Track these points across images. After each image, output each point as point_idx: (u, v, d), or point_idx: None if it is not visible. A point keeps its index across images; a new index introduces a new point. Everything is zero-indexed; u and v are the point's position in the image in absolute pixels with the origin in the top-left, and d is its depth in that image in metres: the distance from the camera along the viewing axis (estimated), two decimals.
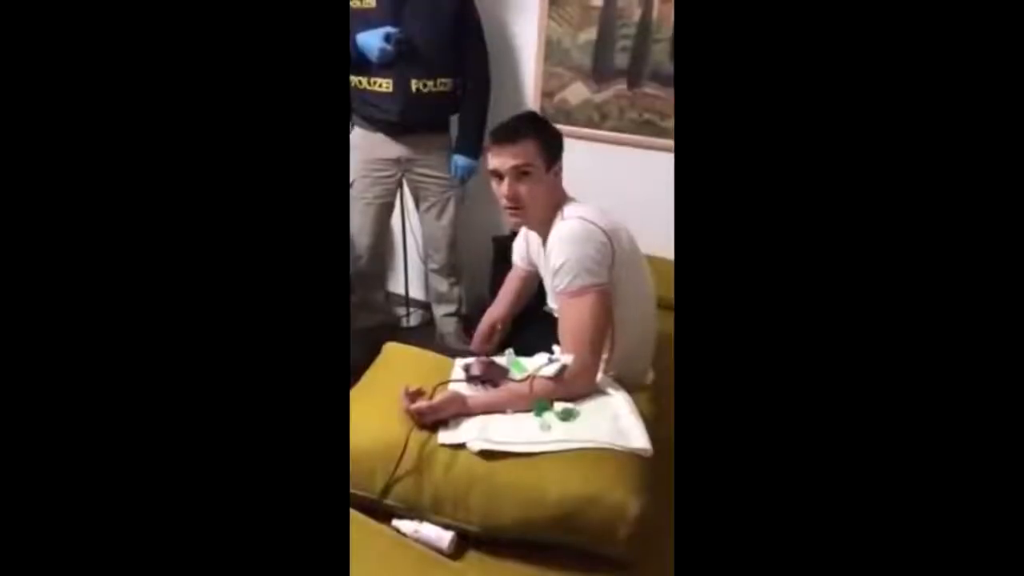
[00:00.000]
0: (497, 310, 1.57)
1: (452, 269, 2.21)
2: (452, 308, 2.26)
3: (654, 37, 1.88)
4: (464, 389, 1.16)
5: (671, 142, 1.95)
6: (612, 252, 1.17)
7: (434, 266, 2.20)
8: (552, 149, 1.23)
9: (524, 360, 1.30)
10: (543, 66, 2.07)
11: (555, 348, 1.37)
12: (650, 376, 1.36)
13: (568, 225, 1.18)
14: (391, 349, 1.36)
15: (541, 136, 1.21)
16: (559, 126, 2.08)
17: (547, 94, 2.10)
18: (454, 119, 2.02)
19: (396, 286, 2.57)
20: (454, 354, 1.37)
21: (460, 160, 2.01)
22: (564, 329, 1.18)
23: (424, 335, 2.46)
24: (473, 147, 2.01)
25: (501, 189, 1.22)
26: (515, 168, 1.20)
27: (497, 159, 1.22)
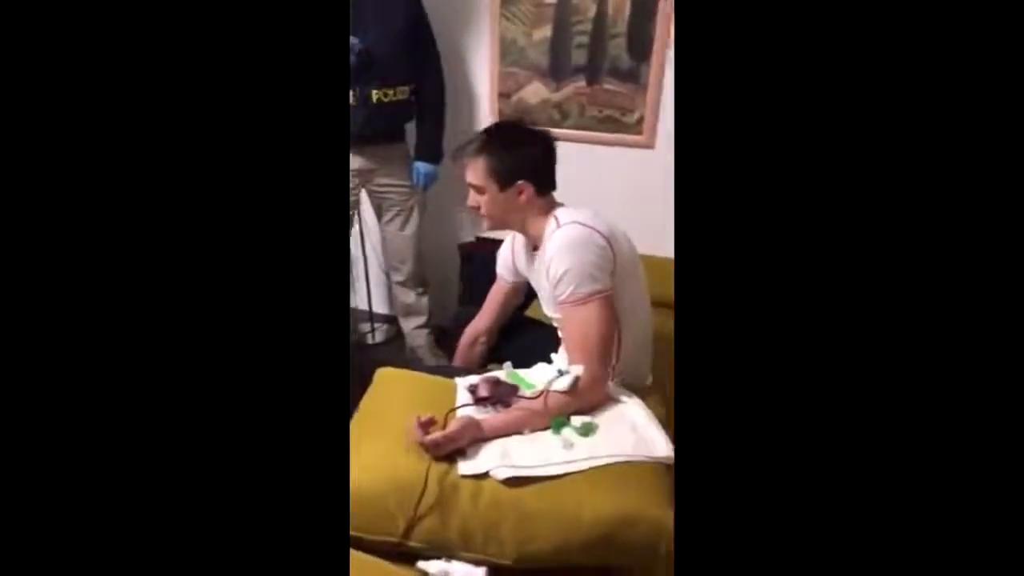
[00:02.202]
0: (480, 322, 1.52)
1: (419, 279, 2.14)
2: (422, 320, 2.19)
3: (610, 32, 1.87)
4: (473, 412, 1.11)
5: (634, 137, 1.95)
6: (613, 256, 1.15)
7: (400, 278, 2.12)
8: (506, 172, 1.20)
9: (522, 372, 1.26)
10: (498, 66, 2.02)
11: (553, 356, 1.34)
12: (649, 378, 1.34)
13: (565, 232, 1.14)
14: (385, 375, 1.29)
15: (491, 158, 1.20)
16: None
17: (504, 95, 2.05)
18: (410, 126, 1.95)
19: (358, 302, 2.47)
20: (449, 374, 1.32)
21: (422, 167, 1.95)
22: (571, 339, 1.15)
23: (391, 350, 2.37)
24: (434, 153, 1.96)
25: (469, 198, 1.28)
26: (471, 185, 1.24)
27: (464, 171, 1.26)
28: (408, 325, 2.20)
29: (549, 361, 1.34)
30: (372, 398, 1.22)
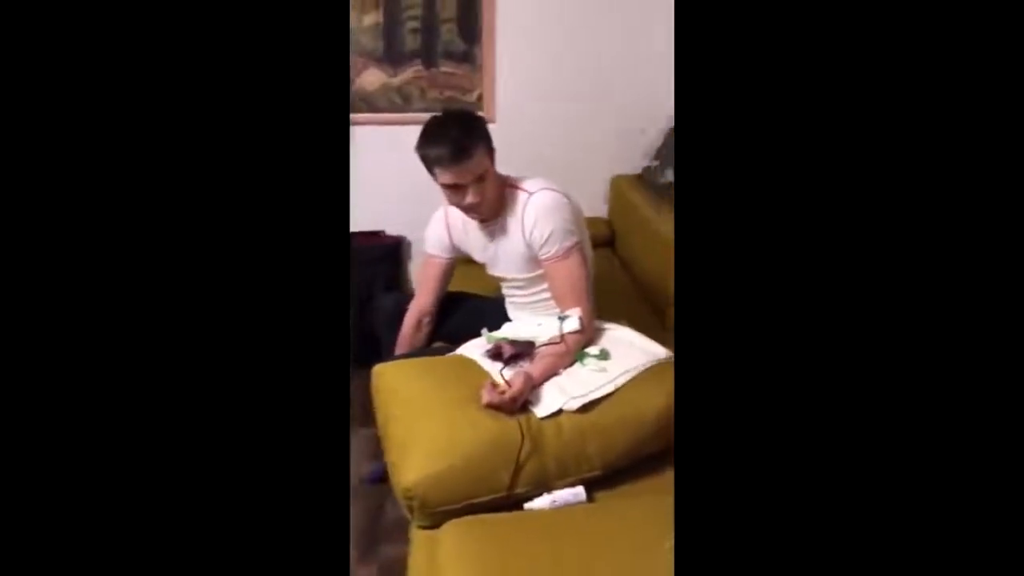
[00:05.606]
0: (421, 303, 1.56)
1: None
2: None
3: (441, 17, 1.99)
4: (507, 371, 1.22)
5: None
6: (575, 211, 1.35)
7: None
8: (492, 145, 1.30)
9: (498, 333, 1.39)
10: None
11: (514, 316, 1.49)
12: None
13: (541, 198, 1.30)
14: (385, 370, 1.29)
15: (486, 141, 1.27)
16: (360, 115, 2.06)
17: None
18: None
19: None
20: (443, 352, 1.38)
21: None
22: (562, 287, 1.33)
23: None
24: None
25: (467, 198, 1.27)
26: (476, 178, 1.26)
27: (455, 176, 1.25)
28: None
29: (501, 323, 1.48)
30: (395, 392, 1.23)
